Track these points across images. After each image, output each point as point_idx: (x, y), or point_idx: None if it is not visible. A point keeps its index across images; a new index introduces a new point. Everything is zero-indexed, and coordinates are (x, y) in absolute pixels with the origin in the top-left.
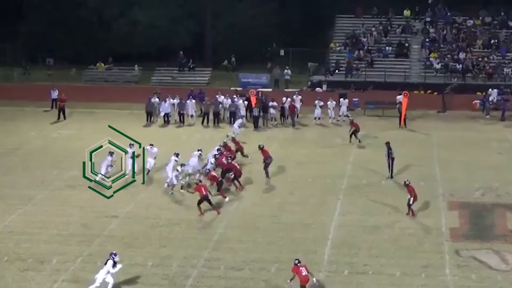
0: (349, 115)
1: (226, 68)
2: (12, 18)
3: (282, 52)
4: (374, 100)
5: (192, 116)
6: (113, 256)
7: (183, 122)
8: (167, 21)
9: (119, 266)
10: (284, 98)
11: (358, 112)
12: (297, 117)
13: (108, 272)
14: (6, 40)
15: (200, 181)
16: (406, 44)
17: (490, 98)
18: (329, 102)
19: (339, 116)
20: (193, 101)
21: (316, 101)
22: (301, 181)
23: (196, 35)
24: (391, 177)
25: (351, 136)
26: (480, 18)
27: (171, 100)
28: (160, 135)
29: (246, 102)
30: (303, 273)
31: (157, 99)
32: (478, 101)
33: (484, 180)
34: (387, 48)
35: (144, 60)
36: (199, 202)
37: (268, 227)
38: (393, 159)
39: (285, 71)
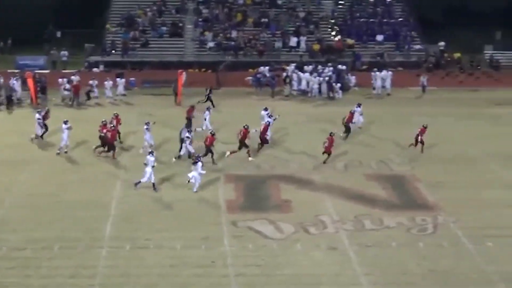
0: (125, 94)
1: (2, 50)
2: None
3: (59, 34)
4: (150, 79)
5: None
6: (199, 158)
7: None
8: None
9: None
10: (60, 80)
11: (135, 91)
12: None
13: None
14: None
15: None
16: (180, 24)
17: (263, 74)
18: (105, 82)
19: (116, 95)
20: None
21: (91, 81)
22: (80, 162)
23: None
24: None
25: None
26: None
27: None
28: None
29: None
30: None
31: None
32: (251, 78)
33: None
34: (162, 28)
35: None
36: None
37: (50, 206)
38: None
39: (62, 52)
